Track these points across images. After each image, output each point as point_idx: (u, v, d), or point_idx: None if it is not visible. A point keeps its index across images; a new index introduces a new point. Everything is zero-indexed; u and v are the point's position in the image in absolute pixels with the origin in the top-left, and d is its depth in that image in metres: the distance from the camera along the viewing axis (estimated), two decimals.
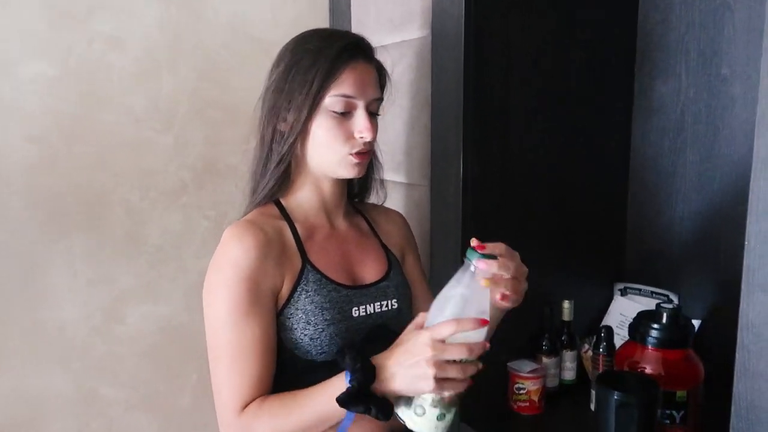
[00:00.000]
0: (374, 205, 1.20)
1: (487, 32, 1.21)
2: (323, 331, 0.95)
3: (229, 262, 0.93)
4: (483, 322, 0.81)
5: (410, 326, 0.88)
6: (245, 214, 1.05)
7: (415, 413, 0.85)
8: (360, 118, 0.97)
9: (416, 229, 1.44)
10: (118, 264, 1.49)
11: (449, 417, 0.86)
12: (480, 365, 0.85)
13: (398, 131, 1.46)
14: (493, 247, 0.83)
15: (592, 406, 1.26)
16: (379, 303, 1.02)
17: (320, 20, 1.66)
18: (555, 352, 1.32)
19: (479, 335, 0.83)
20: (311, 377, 0.92)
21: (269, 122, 1.00)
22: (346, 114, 0.97)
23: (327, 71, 0.94)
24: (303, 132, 0.97)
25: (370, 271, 1.06)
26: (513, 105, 1.27)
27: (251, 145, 1.58)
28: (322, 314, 0.95)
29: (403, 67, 1.41)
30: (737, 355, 0.76)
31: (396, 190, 1.48)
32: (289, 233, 0.99)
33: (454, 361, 0.82)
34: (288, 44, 1.01)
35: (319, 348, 0.95)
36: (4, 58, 1.33)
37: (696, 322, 1.30)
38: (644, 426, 1.01)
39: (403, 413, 0.86)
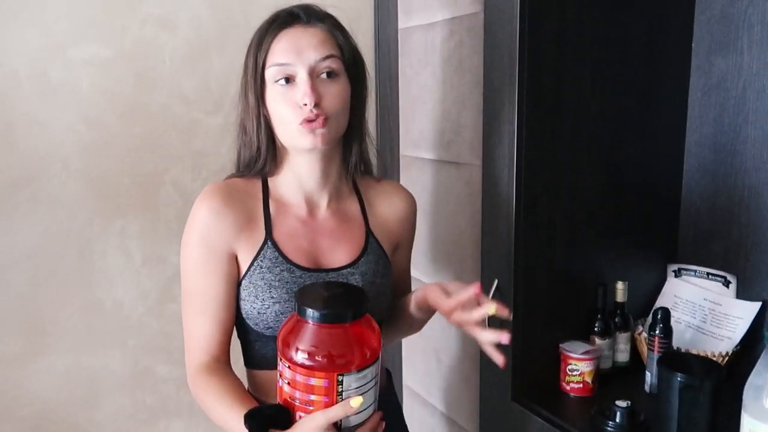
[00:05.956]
0: (382, 185, 1.15)
1: (542, 7, 1.18)
2: (269, 308, 0.96)
3: (191, 222, 0.98)
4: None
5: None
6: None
7: None
8: (300, 84, 0.95)
9: (467, 209, 1.43)
10: (171, 244, 1.51)
11: None
12: None
13: (448, 109, 1.44)
14: None
15: (647, 388, 1.24)
16: None
17: None
18: (608, 333, 1.31)
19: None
20: (260, 345, 1.01)
21: (239, 108, 1.03)
22: (290, 83, 0.96)
23: (258, 45, 0.97)
24: (261, 112, 0.99)
25: (339, 256, 1.03)
26: (567, 82, 1.24)
27: None
28: (270, 292, 0.97)
29: (453, 44, 1.39)
30: None
31: (445, 170, 1.47)
32: (259, 206, 1.01)
33: None
34: None
35: (265, 323, 0.98)
36: (59, 41, 1.35)
37: (756, 305, 1.26)
38: (709, 408, 0.99)
39: None
